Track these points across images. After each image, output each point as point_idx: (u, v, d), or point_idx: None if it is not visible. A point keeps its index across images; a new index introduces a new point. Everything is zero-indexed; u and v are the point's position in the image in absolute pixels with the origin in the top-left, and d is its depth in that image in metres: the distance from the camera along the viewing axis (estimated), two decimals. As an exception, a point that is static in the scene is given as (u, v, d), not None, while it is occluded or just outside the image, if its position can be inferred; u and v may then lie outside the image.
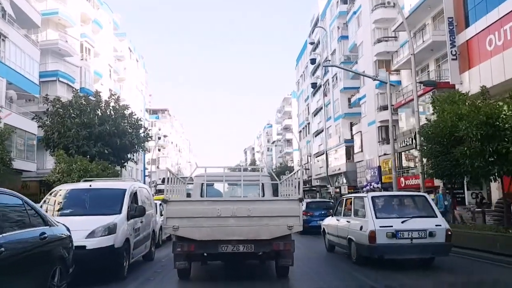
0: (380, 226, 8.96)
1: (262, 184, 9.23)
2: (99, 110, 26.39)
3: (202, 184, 9.21)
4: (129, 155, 28.45)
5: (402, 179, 28.64)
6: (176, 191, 9.47)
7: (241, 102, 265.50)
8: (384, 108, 33.91)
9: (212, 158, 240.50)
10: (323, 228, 12.88)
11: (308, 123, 61.17)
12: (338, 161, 46.25)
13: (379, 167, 34.12)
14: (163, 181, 25.98)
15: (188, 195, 10.45)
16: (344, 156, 43.77)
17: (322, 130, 53.12)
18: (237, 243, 7.60)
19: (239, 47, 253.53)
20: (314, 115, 57.82)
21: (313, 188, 40.28)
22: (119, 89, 53.94)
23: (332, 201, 29.74)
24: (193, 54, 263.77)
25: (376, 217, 9.20)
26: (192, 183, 10.15)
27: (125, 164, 28.85)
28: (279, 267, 8.22)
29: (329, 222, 12.40)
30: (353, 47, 40.15)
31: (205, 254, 8.06)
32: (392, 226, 8.96)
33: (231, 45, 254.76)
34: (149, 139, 29.12)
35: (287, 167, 70.72)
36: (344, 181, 45.74)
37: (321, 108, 53.27)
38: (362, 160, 38.82)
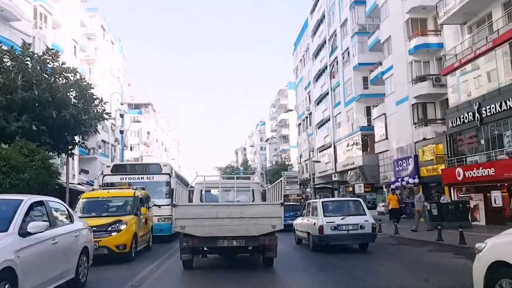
0: (326, 222, 12.47)
1: (252, 190, 11.14)
2: (30, 69, 18.08)
3: (201, 190, 10.76)
4: (76, 138, 20.15)
5: (459, 170, 20.68)
6: (182, 196, 10.82)
7: (233, 101, 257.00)
8: (422, 78, 25.98)
9: (202, 159, 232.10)
10: (294, 226, 15.91)
11: (310, 114, 53.03)
12: (350, 153, 38.26)
13: (416, 156, 26.15)
14: (113, 170, 17.90)
15: (191, 192, 11.77)
16: (360, 147, 35.81)
17: (329, 119, 45.15)
18: (231, 238, 9.13)
19: (230, 44, 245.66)
20: (317, 104, 49.81)
21: (327, 186, 32.20)
22: (87, 72, 45.70)
23: (298, 204, 30.21)
24: (180, 50, 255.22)
25: (324, 216, 12.71)
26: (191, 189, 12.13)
27: (72, 150, 20.39)
28: (265, 259, 9.80)
29: (297, 221, 15.56)
30: (373, 9, 32.26)
31: (205, 248, 9.78)
32: (334, 222, 12.49)
33: (222, 43, 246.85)
34: (105, 116, 20.69)
35: (285, 166, 62.76)
36: (352, 177, 37.88)
37: (327, 93, 45.31)
38: (386, 150, 30.83)
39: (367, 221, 12.50)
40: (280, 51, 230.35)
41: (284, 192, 42.37)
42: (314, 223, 12.72)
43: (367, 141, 35.50)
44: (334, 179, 30.78)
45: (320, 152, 47.39)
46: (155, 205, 14.70)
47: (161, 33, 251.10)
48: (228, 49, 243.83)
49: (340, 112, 41.19)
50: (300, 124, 60.56)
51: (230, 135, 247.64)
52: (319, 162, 40.56)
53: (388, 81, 30.23)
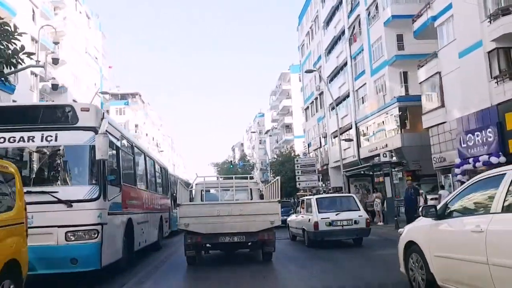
0: (321, 218, 12.84)
1: (250, 189, 11.95)
2: None
3: (202, 190, 11.76)
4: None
5: None
6: (184, 195, 11.35)
7: (233, 102, 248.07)
8: (505, 11, 17.99)
9: (200, 159, 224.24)
10: (288, 223, 16.52)
11: (321, 93, 44.98)
12: (381, 133, 30.35)
13: (499, 124, 18.18)
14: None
15: (190, 192, 12.50)
16: (397, 124, 27.86)
17: (347, 95, 37.17)
18: (232, 235, 9.75)
19: (230, 45, 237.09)
20: (331, 80, 41.79)
21: (366, 173, 24.24)
22: (52, 45, 37.56)
23: (289, 200, 29.90)
24: (181, 51, 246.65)
25: (319, 212, 13.09)
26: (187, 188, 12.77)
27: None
28: (264, 253, 10.35)
29: (291, 218, 16.39)
30: None
31: (208, 245, 10.39)
32: (329, 218, 12.89)
33: (222, 44, 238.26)
34: (26, 57, 12.51)
35: (291, 156, 54.66)
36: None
37: (345, 64, 37.32)
38: (443, 122, 22.78)
39: (361, 216, 13.11)
40: (281, 51, 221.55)
41: (299, 185, 34.73)
42: (309, 220, 13.25)
43: (406, 116, 27.62)
44: (383, 159, 22.67)
45: (335, 137, 39.43)
46: (59, 200, 6.64)
47: (161, 33, 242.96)
48: (228, 49, 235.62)
49: (365, 84, 33.17)
50: (307, 108, 52.56)
51: (228, 135, 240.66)
52: (351, 140, 32.44)
53: (443, 28, 22.23)
